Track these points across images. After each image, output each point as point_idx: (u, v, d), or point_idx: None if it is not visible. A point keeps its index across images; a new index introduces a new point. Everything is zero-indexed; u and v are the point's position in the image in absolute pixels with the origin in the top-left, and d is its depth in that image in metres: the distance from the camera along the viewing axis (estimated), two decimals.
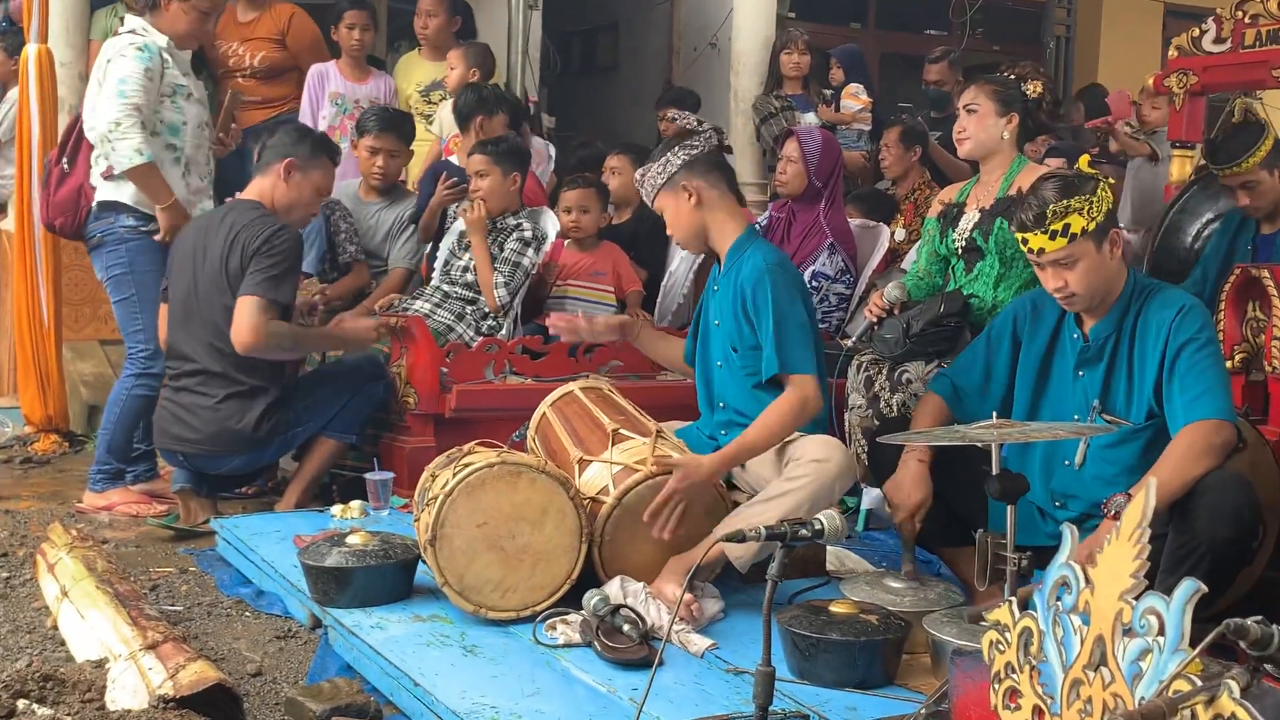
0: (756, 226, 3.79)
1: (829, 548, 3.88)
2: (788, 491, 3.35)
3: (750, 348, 3.64)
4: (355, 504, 4.31)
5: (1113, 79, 8.17)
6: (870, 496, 4.42)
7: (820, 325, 5.23)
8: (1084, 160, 3.42)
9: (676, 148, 3.67)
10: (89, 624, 3.14)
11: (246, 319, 4.26)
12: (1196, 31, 4.89)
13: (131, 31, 4.68)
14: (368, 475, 4.42)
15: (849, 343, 5.08)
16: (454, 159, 5.80)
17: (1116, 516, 2.95)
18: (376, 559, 3.42)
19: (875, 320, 4.39)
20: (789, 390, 3.50)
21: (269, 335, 4.29)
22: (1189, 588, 1.72)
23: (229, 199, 4.82)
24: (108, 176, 4.66)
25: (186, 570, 4.03)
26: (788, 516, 3.18)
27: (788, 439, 3.52)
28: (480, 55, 6.18)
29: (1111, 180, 3.60)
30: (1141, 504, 1.83)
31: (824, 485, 3.35)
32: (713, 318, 3.78)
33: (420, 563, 3.44)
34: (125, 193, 4.68)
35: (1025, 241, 3.22)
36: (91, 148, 4.74)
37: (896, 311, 4.34)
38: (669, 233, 3.79)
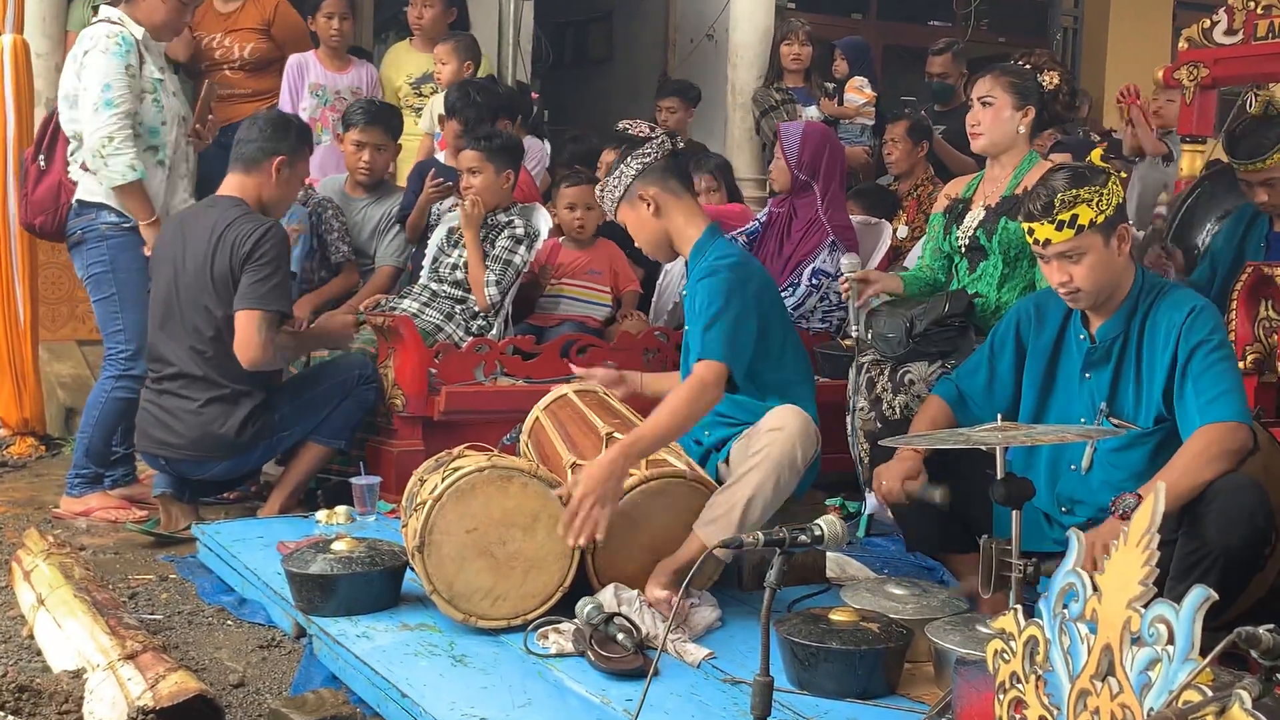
0: (717, 225, 3.72)
1: (829, 554, 3.84)
2: (751, 467, 3.33)
3: None
4: (341, 509, 4.26)
5: (1121, 72, 8.14)
6: (872, 502, 4.35)
7: (821, 325, 5.23)
8: (1096, 154, 3.36)
9: (629, 159, 3.64)
10: (66, 633, 3.10)
11: (251, 335, 4.22)
12: (1207, 23, 4.83)
13: (107, 21, 4.61)
14: (354, 480, 4.37)
15: (850, 342, 5.03)
16: (441, 157, 5.73)
17: (1125, 517, 2.90)
18: (363, 566, 3.37)
19: (857, 303, 4.28)
20: (691, 376, 3.44)
21: (275, 349, 4.30)
22: (1199, 595, 1.70)
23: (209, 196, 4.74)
24: (86, 169, 4.61)
25: (167, 578, 3.98)
26: (755, 491, 3.26)
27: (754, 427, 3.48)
28: (471, 48, 6.11)
29: (1124, 174, 3.53)
30: (1150, 508, 1.80)
31: (785, 452, 3.32)
32: (688, 319, 3.74)
33: (408, 570, 3.40)
34: (106, 190, 4.62)
35: (1031, 232, 3.16)
36: (68, 142, 4.68)
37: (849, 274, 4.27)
38: (636, 244, 3.78)
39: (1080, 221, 3.09)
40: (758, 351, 3.55)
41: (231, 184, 4.45)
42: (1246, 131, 4.48)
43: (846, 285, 4.31)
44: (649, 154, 3.62)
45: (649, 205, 3.61)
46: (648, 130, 3.69)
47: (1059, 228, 3.10)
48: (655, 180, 3.62)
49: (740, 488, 3.29)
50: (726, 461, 3.61)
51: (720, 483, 3.59)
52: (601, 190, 3.72)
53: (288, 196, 4.53)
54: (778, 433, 3.35)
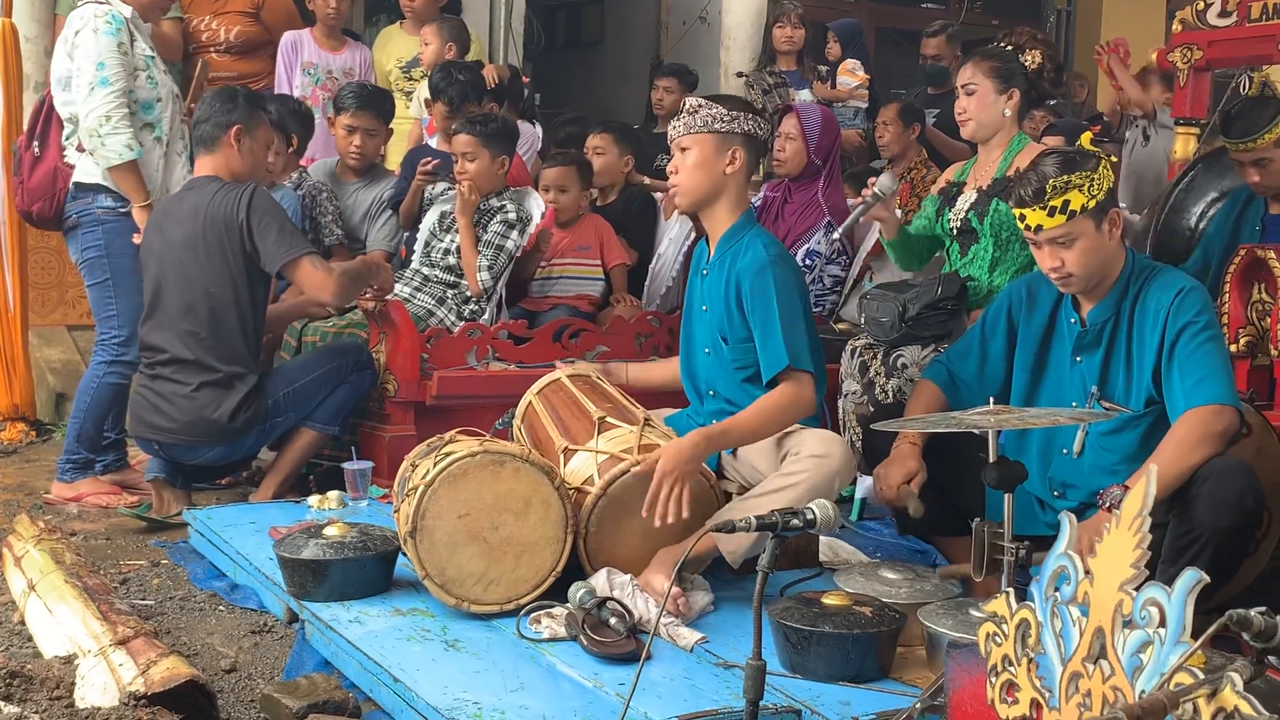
0: (753, 211, 3.66)
1: (822, 538, 3.83)
2: (785, 487, 3.26)
3: (741, 340, 3.53)
4: (333, 494, 4.25)
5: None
6: (865, 485, 4.35)
7: (815, 309, 5.20)
8: (1086, 137, 3.36)
9: (750, 115, 3.53)
10: (57, 619, 3.10)
11: (313, 276, 4.28)
12: (1201, 5, 4.82)
13: (95, 1, 4.58)
14: (346, 465, 4.36)
15: (844, 325, 5.03)
16: (433, 141, 5.71)
17: (1112, 509, 2.89)
18: (355, 551, 3.36)
19: (869, 198, 4.21)
20: (788, 384, 3.38)
21: (340, 274, 4.33)
22: (1190, 578, 1.70)
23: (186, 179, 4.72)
24: (83, 150, 4.59)
25: (158, 563, 3.97)
26: None
27: (786, 432, 3.44)
28: (456, 30, 6.08)
29: (1114, 158, 3.52)
30: (1142, 492, 1.79)
31: (823, 481, 3.26)
32: (700, 302, 3.68)
33: (400, 555, 3.38)
34: (103, 171, 4.60)
35: (1023, 218, 3.14)
36: (62, 126, 4.67)
37: (885, 196, 4.20)
38: (675, 179, 3.56)
39: (1072, 207, 3.08)
40: None
41: (201, 167, 4.47)
42: (1241, 112, 4.47)
43: (869, 193, 4.21)
44: (760, 131, 3.55)
45: (731, 162, 3.50)
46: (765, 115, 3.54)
47: (1050, 214, 3.09)
48: (748, 151, 3.52)
49: (769, 503, 3.17)
50: (734, 455, 3.58)
51: (720, 473, 3.60)
52: (702, 106, 3.50)
53: (258, 164, 4.51)
54: (821, 460, 3.29)
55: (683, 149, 3.52)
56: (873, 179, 4.29)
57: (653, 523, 3.29)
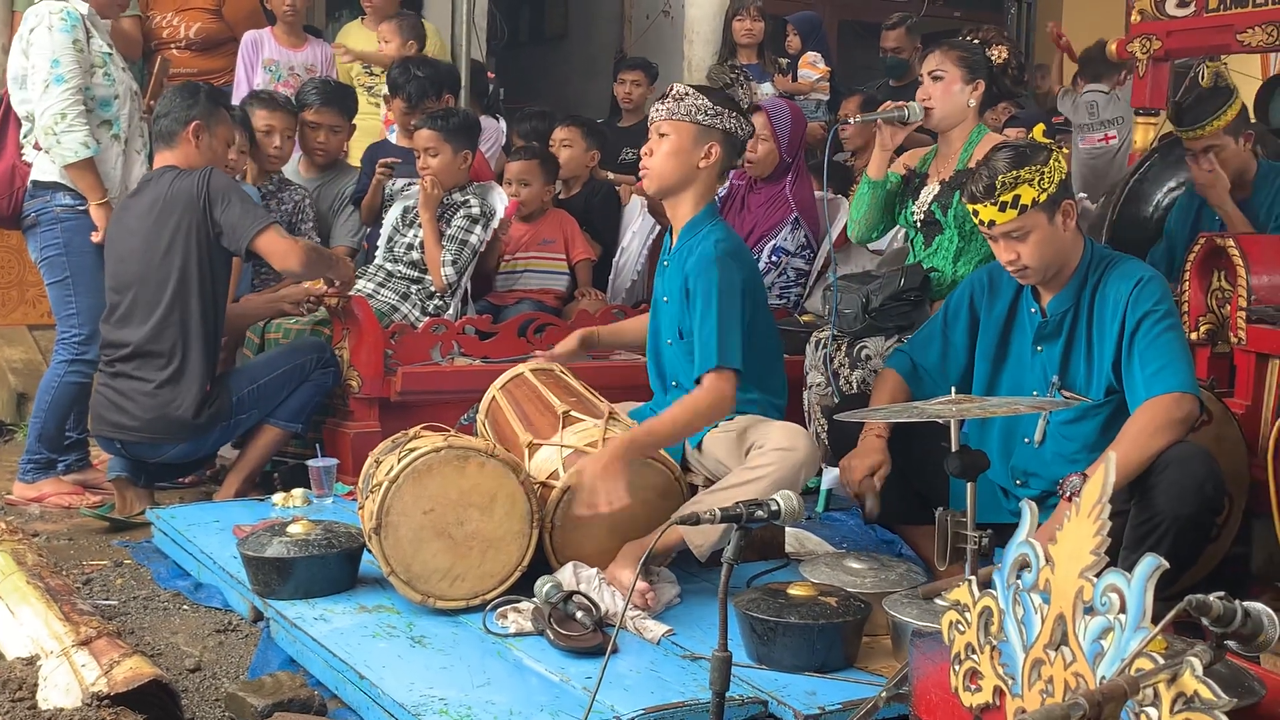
0: (716, 204, 3.66)
1: (789, 530, 3.83)
2: (751, 480, 3.26)
3: (691, 334, 3.54)
4: (297, 492, 4.23)
5: (1075, 45, 8.14)
6: (830, 476, 4.36)
7: (779, 301, 5.21)
8: (1039, 129, 3.36)
9: (735, 114, 3.52)
10: (19, 620, 3.07)
11: (279, 248, 4.25)
12: None
13: None
14: (310, 462, 4.32)
15: (808, 318, 5.03)
16: (392, 136, 5.68)
17: (1072, 498, 2.91)
18: (320, 549, 3.34)
19: (894, 111, 4.20)
20: (712, 383, 3.37)
21: (306, 248, 4.34)
22: (1150, 564, 1.71)
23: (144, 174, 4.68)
24: (40, 148, 4.55)
25: (122, 563, 3.94)
26: None
27: (750, 424, 3.45)
28: (415, 28, 6.05)
29: (1066, 149, 3.54)
30: (1101, 479, 1.79)
31: (789, 474, 3.27)
32: (661, 294, 3.69)
33: (365, 552, 3.37)
34: (60, 170, 4.56)
35: (976, 214, 3.17)
36: (19, 125, 4.63)
37: (906, 120, 4.19)
38: (647, 160, 3.55)
39: (1023, 201, 3.10)
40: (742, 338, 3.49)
41: (160, 161, 4.44)
42: (1193, 102, 4.51)
43: (897, 106, 4.21)
44: (744, 129, 3.54)
45: (706, 155, 3.50)
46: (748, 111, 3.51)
47: (1002, 209, 3.11)
48: (726, 148, 3.52)
49: (735, 495, 3.12)
50: (699, 448, 3.58)
51: (685, 466, 3.60)
52: (688, 95, 3.50)
53: (216, 161, 4.47)
54: (787, 453, 3.29)
55: (661, 133, 3.51)
56: (900, 102, 4.27)
57: (619, 516, 3.29)
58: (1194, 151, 4.45)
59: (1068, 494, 2.96)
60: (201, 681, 3.00)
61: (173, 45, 6.16)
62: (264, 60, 6.15)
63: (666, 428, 3.36)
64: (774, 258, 5.24)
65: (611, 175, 6.03)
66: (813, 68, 7.11)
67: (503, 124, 6.42)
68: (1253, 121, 4.93)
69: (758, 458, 3.33)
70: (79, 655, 2.76)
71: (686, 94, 3.49)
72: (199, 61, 6.20)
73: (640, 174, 3.67)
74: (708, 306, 3.39)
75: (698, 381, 3.40)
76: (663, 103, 3.52)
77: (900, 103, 4.25)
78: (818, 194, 5.54)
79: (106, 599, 3.56)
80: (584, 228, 5.61)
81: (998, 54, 4.29)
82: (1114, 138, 6.71)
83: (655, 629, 3.09)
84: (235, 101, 5.45)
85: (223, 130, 4.50)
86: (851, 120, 4.70)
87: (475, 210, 5.05)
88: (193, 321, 4.26)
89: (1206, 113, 4.37)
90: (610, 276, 5.66)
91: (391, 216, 5.26)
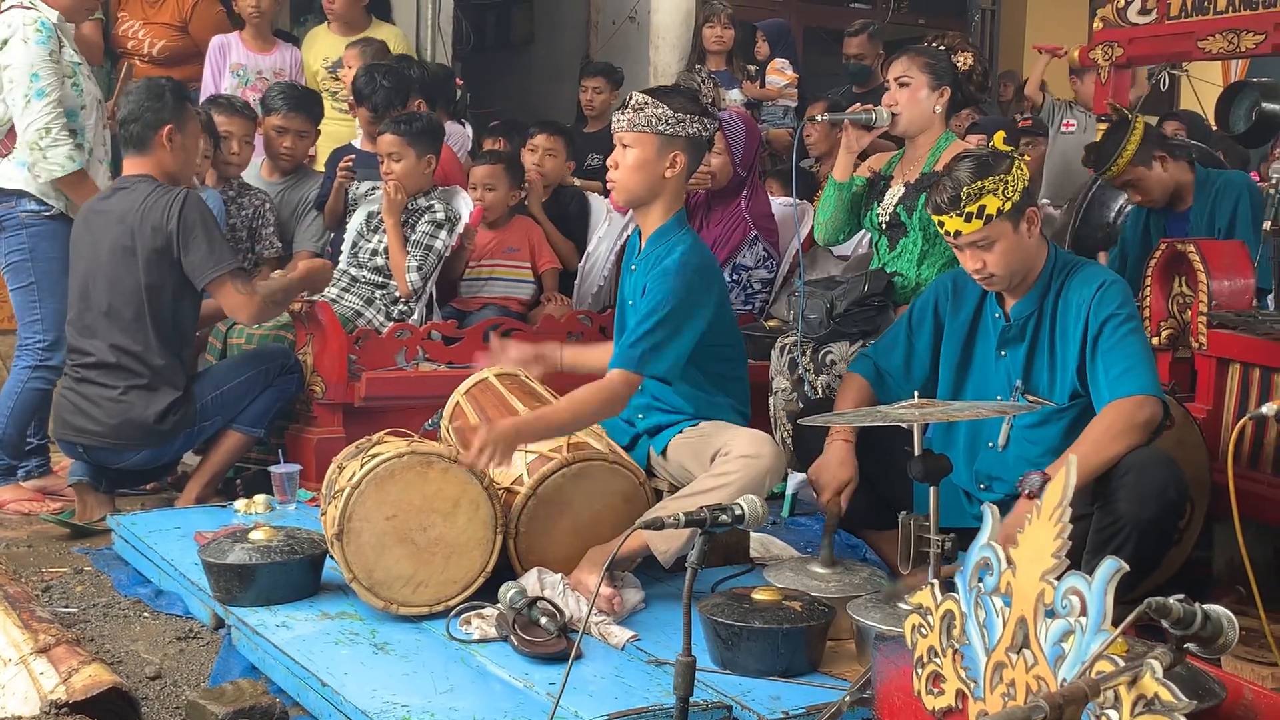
0: (684, 213, 3.65)
1: (754, 534, 3.82)
2: (716, 487, 3.25)
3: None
4: (260, 498, 4.20)
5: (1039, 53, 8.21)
6: (795, 481, 4.37)
7: (744, 308, 5.22)
8: (999, 137, 3.38)
9: (697, 116, 3.48)
10: None
11: (234, 297, 4.24)
12: (1122, 3, 4.88)
13: (20, 6, 4.49)
14: (273, 468, 4.31)
15: (773, 323, 5.04)
16: (356, 141, 5.65)
17: (1033, 496, 2.93)
18: (281, 555, 3.32)
19: (862, 114, 4.22)
20: (614, 380, 3.34)
21: (261, 299, 4.28)
22: (1110, 567, 1.72)
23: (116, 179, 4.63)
24: (3, 155, 4.51)
25: (82, 570, 3.90)
26: None
27: (716, 430, 3.44)
28: (378, 53, 6.01)
29: (1028, 157, 3.56)
30: (1062, 482, 1.80)
31: (754, 481, 3.24)
32: (628, 296, 3.68)
33: (328, 558, 3.35)
34: (26, 178, 4.52)
35: (942, 224, 3.18)
36: None
37: (870, 123, 4.22)
38: (614, 174, 3.52)
39: (988, 211, 3.11)
40: (703, 346, 3.47)
41: (132, 166, 4.36)
42: (1101, 143, 4.59)
43: (865, 109, 4.24)
44: (707, 129, 3.51)
45: (671, 165, 3.47)
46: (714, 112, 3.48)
47: (967, 219, 3.13)
48: (690, 154, 3.49)
49: (700, 502, 3.07)
50: (664, 454, 3.57)
51: (650, 471, 3.59)
52: (647, 105, 3.44)
53: (190, 160, 4.45)
54: (752, 461, 3.27)
55: (625, 145, 3.48)
56: (868, 105, 4.30)
57: (583, 522, 3.29)
58: (1120, 187, 4.55)
59: (1026, 492, 2.98)
60: (162, 689, 2.98)
61: (136, 57, 6.11)
62: (231, 64, 6.11)
63: (556, 417, 3.30)
64: (735, 275, 5.26)
65: (578, 181, 6.02)
66: (780, 74, 7.12)
67: (468, 129, 6.39)
68: (1166, 140, 5.00)
69: (723, 464, 3.32)
70: (37, 663, 2.73)
71: (646, 103, 3.45)
72: (160, 73, 6.11)
73: (608, 187, 3.65)
74: (651, 313, 3.36)
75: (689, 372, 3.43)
76: (624, 113, 3.49)
77: (868, 105, 4.27)
78: (787, 200, 5.57)
79: (66, 606, 3.53)
80: (560, 229, 5.61)
81: (963, 61, 4.31)
82: (1073, 125, 6.76)
83: (620, 634, 3.08)
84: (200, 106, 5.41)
85: (193, 126, 4.45)
86: (819, 118, 4.70)
87: (440, 215, 5.02)
88: (163, 334, 4.22)
89: (1108, 154, 4.45)
90: (576, 282, 5.65)
91: (355, 221, 5.23)
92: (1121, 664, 1.70)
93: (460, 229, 5.10)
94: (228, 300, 4.26)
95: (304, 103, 5.53)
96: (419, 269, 4.96)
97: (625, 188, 3.51)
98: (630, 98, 3.51)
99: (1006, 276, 3.23)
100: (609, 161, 3.55)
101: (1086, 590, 1.74)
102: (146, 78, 4.78)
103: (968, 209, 3.11)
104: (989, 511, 1.97)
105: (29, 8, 4.49)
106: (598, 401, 3.33)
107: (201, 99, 5.75)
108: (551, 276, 5.49)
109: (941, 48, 4.34)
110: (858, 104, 4.31)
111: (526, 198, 5.57)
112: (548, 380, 3.93)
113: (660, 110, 3.43)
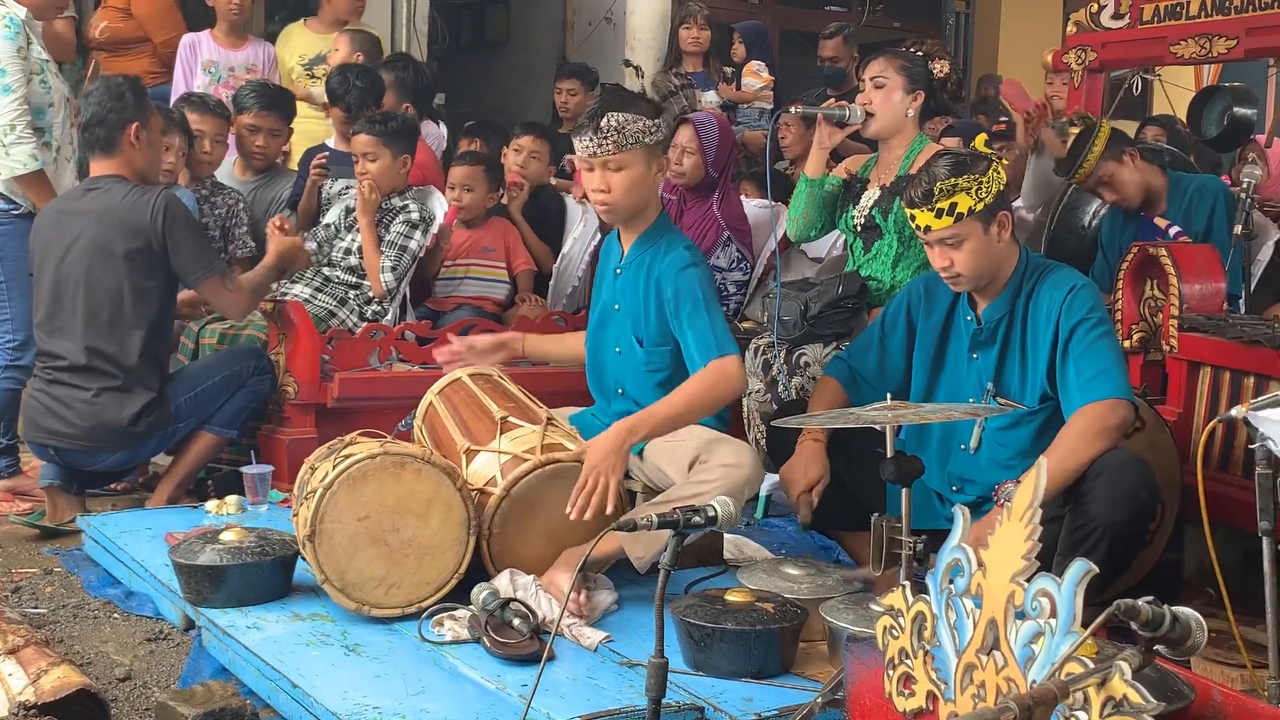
0: (667, 211, 3.67)
1: (727, 536, 3.83)
2: (694, 495, 3.23)
3: (656, 344, 3.55)
4: (231, 499, 4.17)
5: (1013, 57, 8.25)
6: (769, 483, 4.37)
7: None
8: (980, 139, 3.40)
9: (657, 119, 3.51)
10: None
11: (223, 295, 4.33)
12: (1095, 7, 4.92)
13: None
14: (245, 469, 4.28)
15: (747, 325, 5.05)
16: (330, 141, 5.64)
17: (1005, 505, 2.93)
18: (253, 556, 3.30)
19: (836, 109, 4.28)
20: (713, 366, 3.36)
21: (249, 294, 4.38)
22: (1080, 568, 1.72)
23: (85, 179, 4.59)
24: None
25: (51, 571, 3.88)
26: None
27: (697, 437, 3.44)
28: (368, 43, 5.99)
29: (1006, 160, 3.57)
30: (1033, 484, 1.80)
31: (733, 490, 3.24)
32: (612, 301, 3.67)
33: (300, 559, 3.32)
34: None
35: (913, 218, 3.20)
36: None
37: (843, 121, 4.26)
38: (607, 197, 3.49)
39: (960, 209, 3.13)
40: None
41: (100, 168, 4.32)
42: (1071, 149, 4.63)
43: (839, 105, 4.29)
44: (668, 123, 3.57)
45: (660, 169, 3.54)
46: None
47: (938, 215, 3.14)
48: (663, 151, 3.56)
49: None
50: (641, 456, 3.57)
51: (626, 474, 3.57)
52: (631, 122, 3.42)
53: (157, 156, 4.45)
54: (732, 470, 3.30)
55: (616, 168, 3.45)
56: (842, 102, 4.33)
57: (557, 524, 3.28)
58: (1094, 189, 4.58)
59: (1002, 500, 2.99)
60: (131, 691, 2.96)
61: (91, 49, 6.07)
62: (203, 61, 6.06)
63: (666, 410, 3.34)
64: None
65: (555, 181, 6.02)
66: (756, 76, 7.13)
67: (443, 129, 6.38)
68: (1143, 143, 5.03)
69: (703, 473, 3.33)
70: (5, 664, 2.71)
71: (625, 122, 3.41)
72: (113, 63, 6.04)
73: (599, 211, 3.66)
74: (696, 306, 3.41)
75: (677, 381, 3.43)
76: (600, 136, 3.41)
77: (843, 102, 4.30)
78: (762, 202, 5.57)
79: (35, 607, 3.50)
80: (537, 231, 5.60)
81: (939, 68, 4.34)
82: None
83: (592, 636, 3.08)
84: (172, 105, 5.39)
85: (156, 121, 4.42)
86: (793, 110, 4.71)
87: (415, 215, 5.01)
88: (138, 337, 4.18)
89: (1077, 153, 4.48)
90: (550, 282, 5.64)
91: (330, 218, 5.21)
92: (1091, 665, 1.70)
93: (435, 229, 5.09)
94: (219, 299, 4.32)
95: (276, 101, 5.51)
96: (393, 269, 4.95)
97: (624, 208, 3.52)
98: (599, 120, 3.44)
99: (973, 277, 3.24)
100: (597, 185, 3.50)
101: (1056, 592, 1.74)
102: (103, 78, 4.73)
103: (939, 205, 3.13)
104: (959, 513, 1.97)
105: None
106: (710, 384, 3.35)
107: (173, 97, 5.72)
108: (526, 277, 5.48)
109: (920, 53, 4.36)
110: (831, 99, 4.32)
111: (506, 199, 5.57)
112: (520, 379, 3.93)
113: (641, 123, 3.44)
